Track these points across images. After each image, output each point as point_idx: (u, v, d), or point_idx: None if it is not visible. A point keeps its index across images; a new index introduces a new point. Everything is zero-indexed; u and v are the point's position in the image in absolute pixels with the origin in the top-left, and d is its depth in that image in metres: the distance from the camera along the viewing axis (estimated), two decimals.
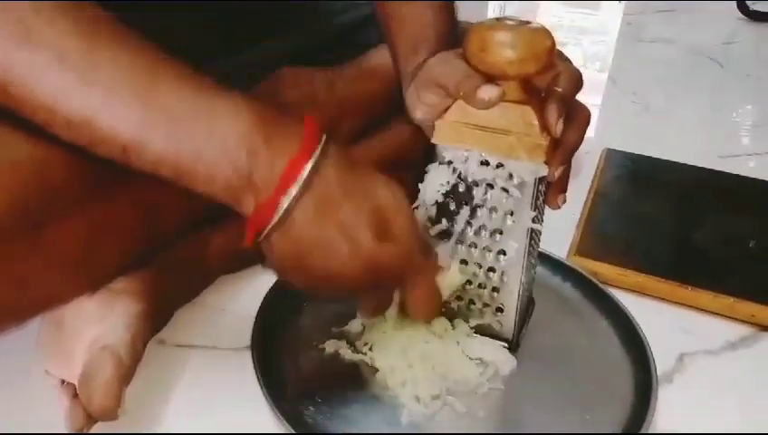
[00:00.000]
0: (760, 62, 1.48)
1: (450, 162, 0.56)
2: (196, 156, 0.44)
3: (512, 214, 0.57)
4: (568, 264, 0.73)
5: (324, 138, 0.47)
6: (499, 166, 0.55)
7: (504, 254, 0.58)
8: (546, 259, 0.73)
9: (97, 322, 0.55)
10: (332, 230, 0.47)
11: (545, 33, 0.52)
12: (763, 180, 0.94)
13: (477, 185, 0.56)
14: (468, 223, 0.58)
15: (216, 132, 0.44)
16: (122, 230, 0.56)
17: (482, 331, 0.62)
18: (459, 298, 0.61)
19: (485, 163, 0.55)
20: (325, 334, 0.63)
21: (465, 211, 0.58)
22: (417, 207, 0.58)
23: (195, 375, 0.61)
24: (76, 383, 0.52)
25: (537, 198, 0.56)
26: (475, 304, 0.61)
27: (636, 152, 0.98)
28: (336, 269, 0.48)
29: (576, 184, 0.91)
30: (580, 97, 0.57)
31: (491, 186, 0.56)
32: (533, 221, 0.56)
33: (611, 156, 0.96)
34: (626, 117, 1.19)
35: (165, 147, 0.44)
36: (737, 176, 0.95)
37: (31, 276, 0.49)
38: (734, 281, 0.73)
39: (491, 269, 0.59)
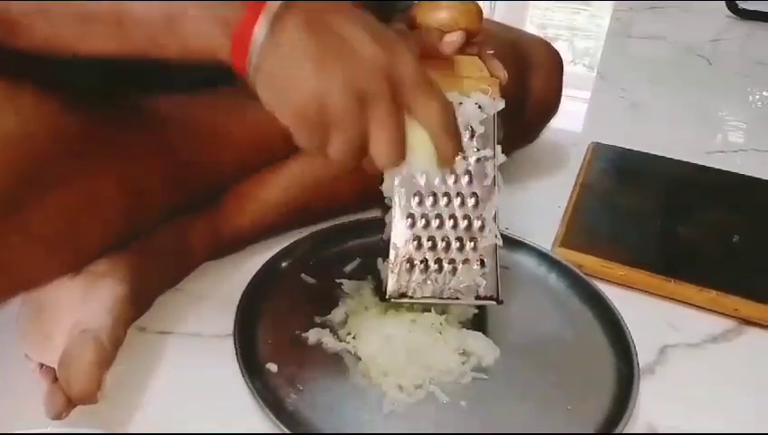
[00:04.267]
0: (747, 59, 1.49)
1: None
2: None
3: (477, 150, 0.61)
4: (553, 255, 0.73)
5: None
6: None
7: (478, 200, 0.61)
8: (531, 250, 0.74)
9: (78, 305, 0.55)
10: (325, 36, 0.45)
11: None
12: (748, 176, 0.94)
13: None
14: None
15: None
16: (105, 210, 0.56)
17: (466, 294, 0.62)
18: (438, 261, 0.62)
19: None
20: (308, 323, 0.63)
21: None
22: None
23: (176, 362, 0.61)
24: (56, 367, 0.52)
25: (496, 134, 0.62)
26: (456, 263, 0.62)
27: (623, 146, 0.98)
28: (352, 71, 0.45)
29: (562, 176, 0.92)
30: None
31: None
32: (496, 155, 0.62)
33: (598, 149, 0.97)
34: (614, 112, 1.20)
35: None
36: (723, 171, 0.95)
37: (12, 254, 0.49)
38: (717, 275, 0.73)
39: (466, 218, 0.62)
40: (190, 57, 0.46)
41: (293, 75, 0.45)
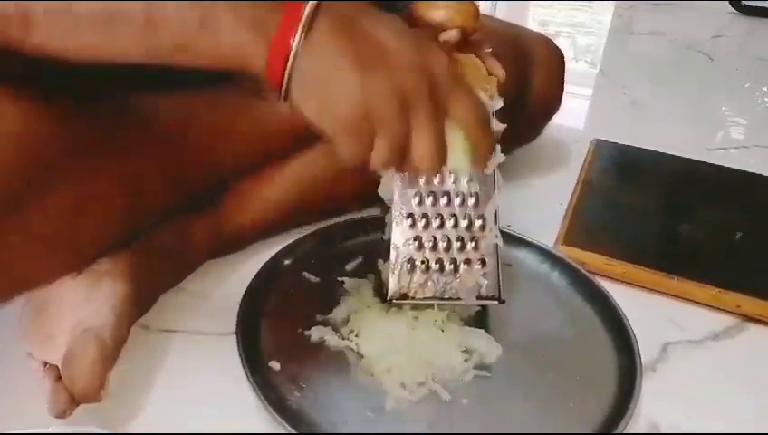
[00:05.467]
0: (749, 56, 1.49)
1: None
2: None
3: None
4: (555, 253, 0.73)
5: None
6: None
7: (478, 199, 0.61)
8: (533, 248, 0.74)
9: (81, 304, 0.55)
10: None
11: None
12: (750, 173, 0.94)
13: None
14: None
15: None
16: (106, 208, 0.56)
17: (468, 294, 0.62)
18: (439, 261, 0.61)
19: None
20: (310, 321, 0.63)
21: None
22: None
23: (179, 360, 0.61)
24: (59, 366, 0.52)
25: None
26: (457, 263, 0.62)
27: (625, 143, 0.98)
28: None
29: (565, 174, 0.92)
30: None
31: None
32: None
33: (600, 146, 0.96)
34: (615, 109, 1.20)
35: None
36: (725, 168, 0.95)
37: (12, 254, 0.49)
38: (720, 272, 0.73)
39: (466, 218, 0.61)
40: (219, 65, 0.45)
41: (334, 81, 0.44)
